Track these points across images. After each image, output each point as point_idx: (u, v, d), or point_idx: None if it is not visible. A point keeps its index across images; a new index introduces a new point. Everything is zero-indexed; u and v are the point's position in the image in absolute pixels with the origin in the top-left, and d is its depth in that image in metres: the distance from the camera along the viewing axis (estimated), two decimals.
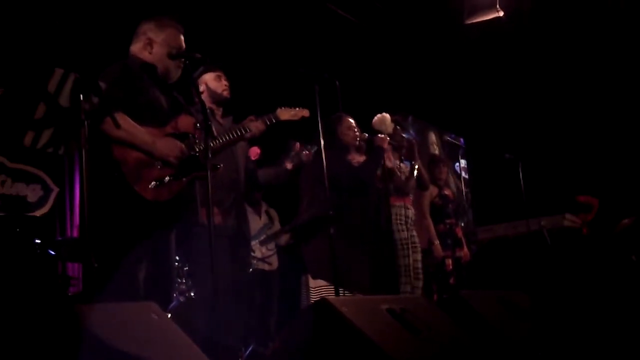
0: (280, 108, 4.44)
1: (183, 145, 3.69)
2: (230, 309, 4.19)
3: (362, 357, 2.62)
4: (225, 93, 4.65)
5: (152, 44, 3.82)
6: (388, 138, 5.44)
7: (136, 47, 3.87)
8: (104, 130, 3.43)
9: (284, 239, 6.93)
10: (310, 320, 2.76)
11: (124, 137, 3.49)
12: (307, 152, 4.76)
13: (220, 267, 3.88)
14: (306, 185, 5.23)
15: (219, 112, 4.65)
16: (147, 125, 3.62)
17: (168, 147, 3.63)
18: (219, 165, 3.83)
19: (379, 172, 5.44)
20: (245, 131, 4.24)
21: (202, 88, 4.62)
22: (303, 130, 4.76)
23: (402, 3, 8.40)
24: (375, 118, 5.61)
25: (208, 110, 4.46)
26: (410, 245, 5.79)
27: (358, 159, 5.40)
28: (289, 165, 4.82)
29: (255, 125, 4.36)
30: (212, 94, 4.61)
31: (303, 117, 4.55)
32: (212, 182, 3.53)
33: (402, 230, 5.74)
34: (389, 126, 5.54)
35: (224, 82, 4.66)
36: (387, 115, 5.59)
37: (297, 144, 4.82)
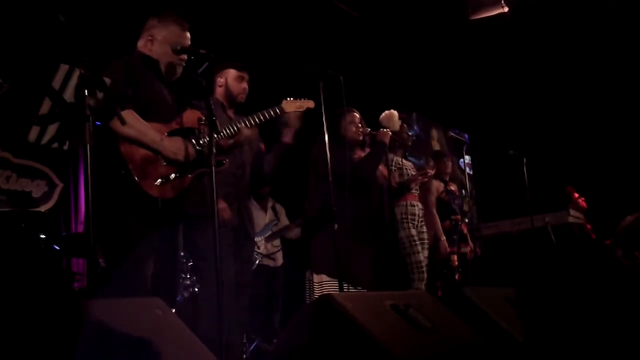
0: (286, 100, 4.42)
1: (190, 145, 3.69)
2: (234, 305, 4.19)
3: (365, 354, 2.62)
4: (241, 97, 4.60)
5: (152, 41, 3.86)
6: (390, 133, 5.42)
7: (140, 43, 3.91)
8: (113, 127, 3.45)
9: (294, 233, 6.94)
10: (313, 316, 2.76)
11: (132, 135, 3.51)
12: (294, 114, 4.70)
13: (224, 262, 3.89)
14: (311, 181, 5.23)
15: (231, 108, 4.63)
16: (153, 121, 3.64)
17: (176, 146, 3.65)
18: (225, 160, 3.83)
19: (382, 167, 5.43)
20: (239, 127, 4.17)
21: (221, 81, 4.60)
22: (307, 125, 4.74)
23: None
24: (383, 114, 5.59)
25: (220, 103, 4.47)
26: (419, 242, 5.79)
27: (360, 154, 5.39)
28: (286, 138, 4.75)
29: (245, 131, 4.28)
30: (228, 93, 4.58)
31: (308, 109, 4.53)
32: (217, 177, 3.54)
33: (411, 228, 5.75)
34: (396, 123, 5.53)
35: (244, 86, 4.61)
36: (395, 112, 5.58)
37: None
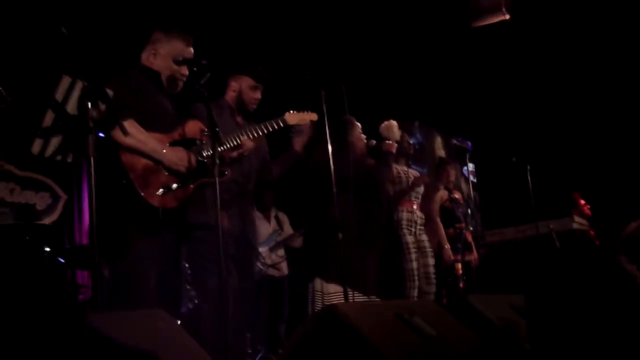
0: (289, 112, 4.41)
1: (191, 155, 3.70)
2: (238, 315, 4.18)
3: None
4: (252, 107, 4.57)
5: (155, 55, 3.89)
6: (396, 144, 5.45)
7: (144, 55, 3.93)
8: (115, 137, 3.46)
9: (298, 242, 6.94)
10: (318, 327, 2.76)
11: (134, 145, 3.52)
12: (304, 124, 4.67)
13: (227, 272, 3.90)
14: (315, 188, 5.22)
15: (239, 114, 4.59)
16: (154, 132, 3.64)
17: (177, 156, 3.66)
18: (227, 171, 3.84)
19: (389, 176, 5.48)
20: (250, 135, 4.16)
21: (235, 85, 4.56)
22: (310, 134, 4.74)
23: (408, 7, 8.40)
24: (383, 125, 5.62)
25: (229, 107, 4.47)
26: (418, 249, 5.80)
27: (371, 161, 5.43)
28: (296, 146, 4.73)
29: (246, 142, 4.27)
30: (240, 99, 4.54)
31: (311, 121, 4.52)
32: (220, 187, 3.54)
33: (407, 234, 5.76)
34: (396, 133, 5.56)
35: (257, 96, 4.57)
36: (394, 122, 5.60)
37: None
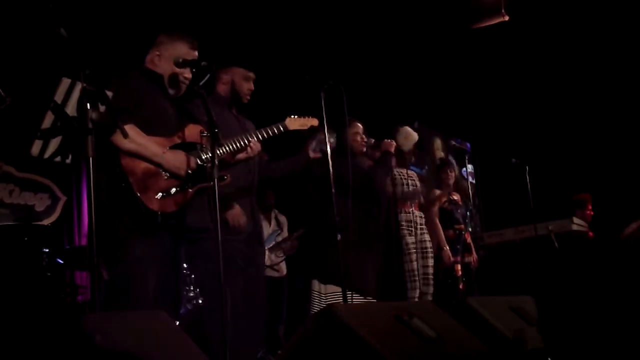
0: (290, 117, 4.40)
1: (191, 158, 3.69)
2: (242, 315, 4.17)
3: None
4: (246, 98, 4.54)
5: (159, 58, 3.87)
6: (394, 143, 5.45)
7: (148, 58, 3.92)
8: (114, 141, 3.46)
9: (289, 246, 6.94)
10: (316, 328, 2.76)
11: (133, 149, 3.52)
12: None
13: (234, 271, 3.90)
14: (314, 190, 5.22)
15: (233, 106, 4.57)
16: (155, 135, 3.64)
17: (177, 159, 3.65)
18: (226, 176, 3.82)
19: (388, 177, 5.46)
20: (248, 143, 4.13)
21: (226, 78, 4.53)
22: (310, 136, 4.74)
23: (407, 8, 8.40)
24: (402, 131, 5.60)
25: (223, 99, 4.46)
26: (419, 250, 5.80)
27: (369, 163, 5.42)
28: (311, 154, 4.72)
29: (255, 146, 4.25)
30: (233, 91, 4.52)
31: (312, 127, 4.51)
32: (230, 187, 3.52)
33: (408, 235, 5.77)
34: (410, 145, 5.55)
35: (250, 86, 4.54)
36: (415, 134, 5.58)
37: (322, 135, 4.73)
